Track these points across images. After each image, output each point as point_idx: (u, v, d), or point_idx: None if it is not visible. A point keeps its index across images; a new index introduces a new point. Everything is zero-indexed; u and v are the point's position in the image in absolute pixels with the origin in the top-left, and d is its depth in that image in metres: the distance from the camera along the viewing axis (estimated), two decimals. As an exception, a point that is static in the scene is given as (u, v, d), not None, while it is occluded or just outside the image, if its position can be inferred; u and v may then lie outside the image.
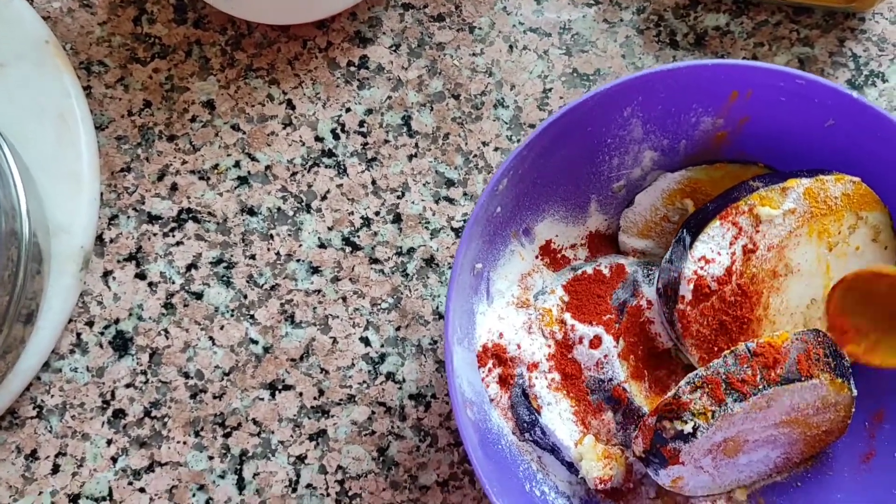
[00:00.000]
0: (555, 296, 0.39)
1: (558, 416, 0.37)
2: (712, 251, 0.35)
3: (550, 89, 0.45)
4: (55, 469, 0.40)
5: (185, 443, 0.41)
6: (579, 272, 0.39)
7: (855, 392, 0.35)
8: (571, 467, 0.38)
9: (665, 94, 0.36)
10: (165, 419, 0.41)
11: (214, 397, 0.41)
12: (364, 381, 0.42)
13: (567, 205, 0.40)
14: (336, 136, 0.45)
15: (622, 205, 0.41)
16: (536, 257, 0.41)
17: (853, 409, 0.36)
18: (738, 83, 0.36)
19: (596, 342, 0.38)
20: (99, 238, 0.43)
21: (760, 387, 0.33)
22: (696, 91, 0.37)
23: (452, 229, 0.44)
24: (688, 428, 0.34)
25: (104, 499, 0.40)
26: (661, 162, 0.40)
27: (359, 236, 0.43)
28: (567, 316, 0.38)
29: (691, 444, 0.34)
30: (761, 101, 0.37)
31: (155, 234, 0.43)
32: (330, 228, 0.43)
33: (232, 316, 0.42)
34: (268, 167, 0.44)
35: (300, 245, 0.43)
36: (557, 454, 0.38)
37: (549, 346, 0.38)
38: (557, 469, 0.38)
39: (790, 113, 0.37)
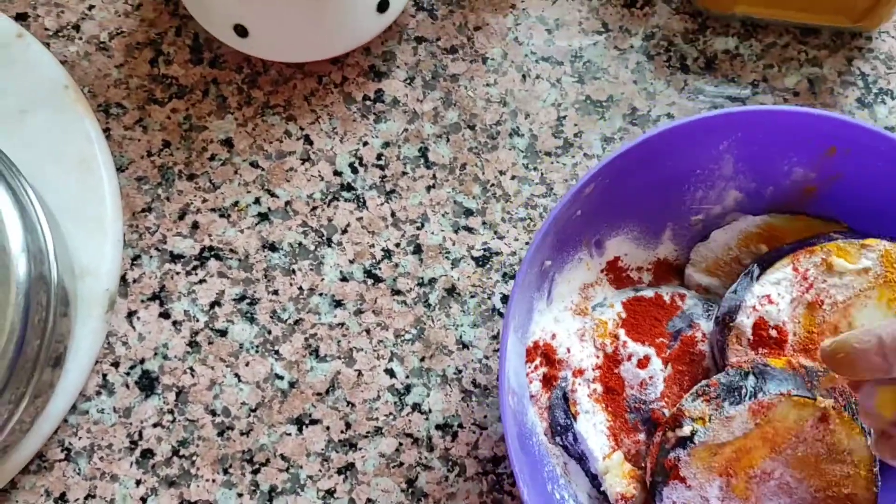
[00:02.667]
0: (613, 310, 0.39)
1: (593, 427, 0.38)
2: (777, 294, 0.35)
3: (565, 117, 0.46)
4: (85, 511, 0.40)
5: (213, 480, 0.41)
6: (640, 293, 0.40)
7: (870, 441, 0.34)
8: (594, 480, 0.38)
9: (764, 136, 0.36)
10: (194, 457, 0.41)
11: (242, 434, 0.41)
12: (390, 413, 0.42)
13: (642, 227, 0.41)
14: (354, 170, 0.45)
15: (696, 239, 0.42)
16: (602, 271, 0.41)
17: (875, 471, 0.34)
18: (838, 138, 0.36)
19: (644, 362, 0.38)
20: (122, 278, 0.43)
21: (758, 395, 0.33)
22: (795, 138, 0.37)
23: (472, 258, 0.44)
24: (685, 431, 0.34)
25: (135, 540, 0.40)
26: (744, 204, 0.40)
27: (380, 268, 0.44)
28: (621, 332, 0.38)
29: (690, 451, 0.34)
30: (857, 161, 0.37)
31: (178, 273, 0.43)
32: (351, 261, 0.44)
33: (257, 352, 0.43)
34: (288, 203, 0.45)
35: (322, 279, 0.44)
36: (583, 464, 0.38)
37: (598, 357, 0.38)
38: (580, 479, 0.38)
39: (884, 178, 0.37)
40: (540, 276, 0.37)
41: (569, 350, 0.38)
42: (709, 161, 0.38)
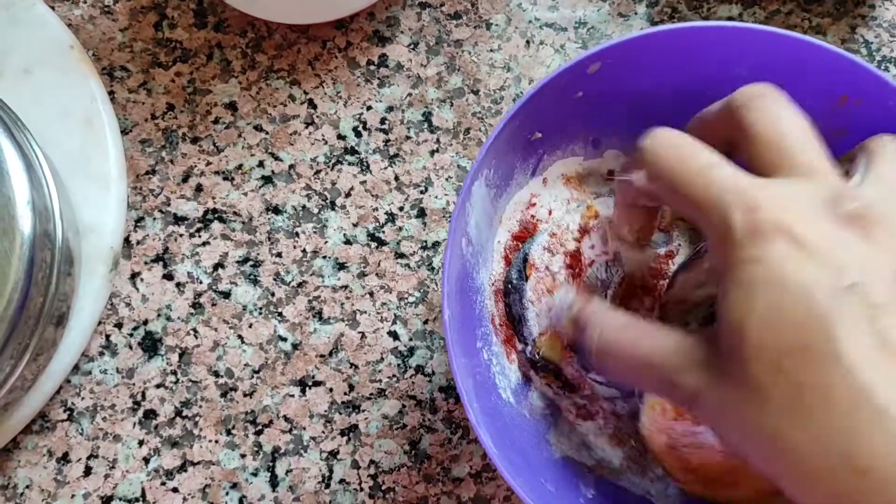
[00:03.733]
0: (603, 199, 0.38)
1: (541, 291, 0.37)
2: None
3: (568, 82, 0.46)
4: (87, 471, 0.40)
5: (216, 441, 0.41)
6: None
7: None
8: (527, 346, 0.37)
9: (777, 68, 0.33)
10: (196, 418, 0.41)
11: (245, 395, 0.41)
12: (393, 375, 0.42)
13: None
14: (358, 134, 0.45)
15: None
16: (602, 176, 0.40)
17: None
18: (852, 86, 0.33)
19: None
20: (126, 241, 0.43)
21: None
22: (808, 77, 0.33)
23: (476, 223, 0.44)
24: None
25: (137, 500, 0.40)
26: None
27: (384, 232, 0.44)
28: (605, 214, 0.37)
29: None
30: (865, 118, 0.34)
31: (181, 235, 0.43)
32: (355, 225, 0.44)
33: (260, 314, 0.42)
34: (291, 166, 0.44)
35: (326, 242, 0.43)
36: (520, 328, 0.37)
37: (575, 234, 0.37)
38: (512, 342, 0.38)
39: None
40: (527, 146, 0.35)
41: (550, 212, 0.37)
42: (723, 83, 0.36)
